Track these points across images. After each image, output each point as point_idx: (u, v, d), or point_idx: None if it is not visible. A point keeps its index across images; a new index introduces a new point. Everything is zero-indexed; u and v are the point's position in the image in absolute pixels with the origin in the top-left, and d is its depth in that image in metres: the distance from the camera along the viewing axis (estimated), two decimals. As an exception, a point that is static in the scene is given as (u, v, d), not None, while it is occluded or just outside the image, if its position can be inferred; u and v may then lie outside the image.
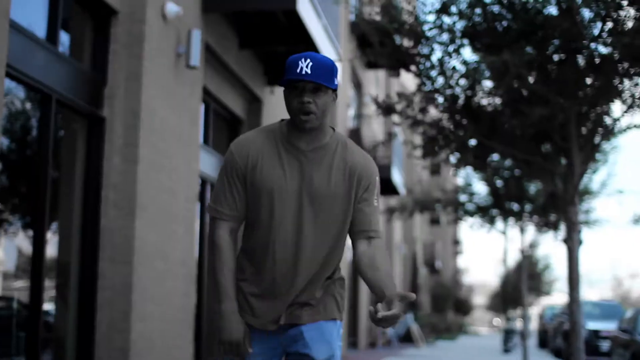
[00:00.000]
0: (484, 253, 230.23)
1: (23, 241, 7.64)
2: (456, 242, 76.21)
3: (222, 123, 13.30)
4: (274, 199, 3.54)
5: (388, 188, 24.60)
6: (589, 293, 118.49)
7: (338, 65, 14.06)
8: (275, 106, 14.69)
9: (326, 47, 12.93)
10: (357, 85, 25.45)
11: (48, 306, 8.03)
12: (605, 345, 21.88)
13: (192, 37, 10.09)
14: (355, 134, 23.13)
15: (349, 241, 3.72)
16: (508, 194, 17.22)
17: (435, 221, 54.18)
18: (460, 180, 18.87)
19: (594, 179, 18.19)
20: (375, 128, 26.96)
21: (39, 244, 7.64)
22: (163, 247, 9.39)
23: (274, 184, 3.54)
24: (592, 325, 22.62)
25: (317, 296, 3.65)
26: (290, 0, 10.80)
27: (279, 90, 14.93)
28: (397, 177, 24.01)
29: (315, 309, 3.66)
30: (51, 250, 8.07)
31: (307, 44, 12.21)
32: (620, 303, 26.93)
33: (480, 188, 18.75)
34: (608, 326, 22.23)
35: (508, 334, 28.14)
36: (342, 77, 14.77)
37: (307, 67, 3.41)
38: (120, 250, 8.63)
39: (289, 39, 12.30)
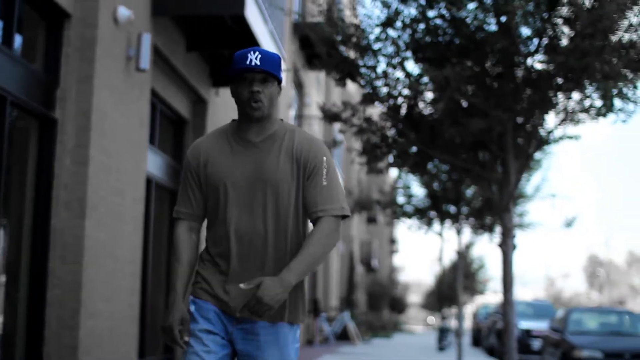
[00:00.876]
0: (420, 252, 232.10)
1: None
2: (392, 241, 76.86)
3: (168, 124, 13.49)
4: (227, 190, 3.70)
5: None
6: (522, 293, 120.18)
7: (282, 66, 14.36)
8: (220, 107, 14.93)
9: (272, 50, 13.20)
10: (299, 86, 25.70)
11: (-1, 303, 8.19)
12: (536, 344, 22.45)
13: (142, 41, 10.27)
14: (297, 134, 23.36)
15: None
16: (445, 196, 17.57)
17: (372, 220, 54.59)
18: (399, 182, 19.13)
19: (529, 183, 18.63)
20: (315, 129, 27.26)
21: (-8, 242, 7.80)
22: (112, 247, 9.59)
23: (225, 175, 3.70)
24: (524, 324, 23.15)
25: None
26: (239, 6, 11.04)
27: (224, 92, 15.16)
28: (337, 177, 24.28)
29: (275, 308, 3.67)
30: (0, 248, 8.22)
31: (253, 47, 12.45)
32: (552, 303, 27.57)
33: (418, 190, 19.08)
34: (540, 325, 22.80)
35: (442, 332, 28.59)
36: (284, 78, 15.06)
37: (256, 59, 3.61)
38: (71, 249, 8.81)
39: (236, 42, 12.54)
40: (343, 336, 30.77)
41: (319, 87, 30.13)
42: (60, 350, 8.66)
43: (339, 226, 3.73)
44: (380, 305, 55.73)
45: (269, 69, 3.63)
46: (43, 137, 8.88)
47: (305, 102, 26.34)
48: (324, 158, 3.75)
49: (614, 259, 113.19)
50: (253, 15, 11.55)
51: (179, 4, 11.26)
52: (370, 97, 8.79)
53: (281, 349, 3.70)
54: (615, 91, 8.01)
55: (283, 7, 13.62)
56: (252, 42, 12.26)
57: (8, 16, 8.24)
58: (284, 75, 14.35)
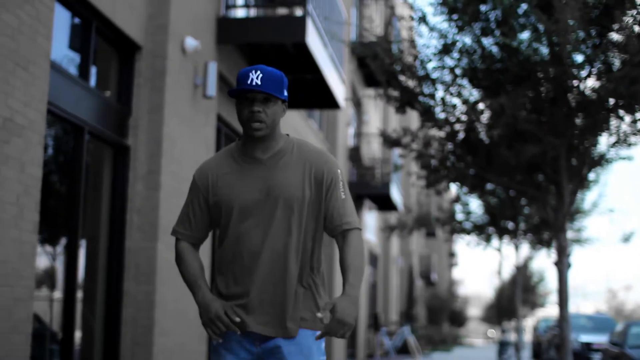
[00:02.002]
0: (479, 265, 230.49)
1: (58, 261, 8.29)
2: (451, 255, 76.64)
3: (232, 146, 13.90)
4: (238, 209, 3.66)
5: (387, 205, 25.14)
6: (583, 305, 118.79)
7: (341, 87, 14.71)
8: (282, 128, 15.28)
9: (332, 74, 13.57)
10: (357, 104, 25.99)
11: (78, 321, 8.65)
12: (597, 357, 22.47)
13: (208, 69, 10.71)
14: (355, 152, 23.73)
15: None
16: (503, 213, 17.70)
17: (431, 234, 54.55)
18: (458, 200, 19.29)
19: (585, 199, 18.68)
20: (374, 148, 27.56)
21: (72, 263, 8.28)
22: (181, 267, 9.99)
23: (236, 194, 3.67)
24: (584, 337, 23.18)
25: (293, 301, 3.67)
26: (300, 34, 11.40)
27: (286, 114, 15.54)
28: (396, 194, 24.56)
29: (286, 317, 3.67)
30: (80, 269, 8.69)
31: (313, 72, 12.81)
32: (612, 317, 27.52)
33: (476, 207, 19.22)
34: (600, 339, 22.82)
35: (503, 345, 28.61)
36: (343, 97, 15.38)
37: (257, 78, 3.57)
38: (144, 270, 9.26)
39: (297, 67, 12.90)
40: (403, 350, 30.94)
41: (377, 105, 30.43)
42: (136, 366, 9.10)
43: (362, 238, 3.78)
44: (440, 319, 55.68)
45: (269, 90, 3.60)
46: (117, 163, 9.36)
47: (364, 119, 26.65)
48: (338, 171, 3.75)
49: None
50: (314, 41, 11.90)
51: (243, 33, 11.67)
52: (428, 123, 9.12)
53: (307, 358, 3.66)
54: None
55: (344, 40, 13.94)
56: (312, 66, 12.61)
57: (84, 50, 8.73)
58: (341, 100, 14.66)
